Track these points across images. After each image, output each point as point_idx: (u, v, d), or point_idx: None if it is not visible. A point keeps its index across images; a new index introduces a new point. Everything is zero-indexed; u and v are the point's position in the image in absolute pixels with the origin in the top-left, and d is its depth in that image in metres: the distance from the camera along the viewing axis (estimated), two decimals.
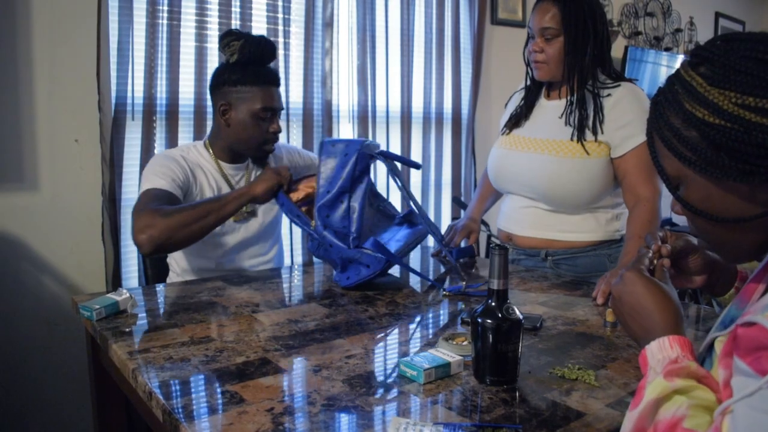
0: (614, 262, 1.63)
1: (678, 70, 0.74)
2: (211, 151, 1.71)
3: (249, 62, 1.62)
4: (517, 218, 1.72)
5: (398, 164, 1.62)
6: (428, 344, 1.14)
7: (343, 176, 1.48)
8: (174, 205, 1.50)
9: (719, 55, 0.69)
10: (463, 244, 1.89)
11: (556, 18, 1.56)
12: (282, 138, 2.30)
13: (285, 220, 2.44)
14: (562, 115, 1.63)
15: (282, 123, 2.37)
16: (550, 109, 1.67)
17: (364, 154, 1.51)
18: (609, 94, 1.58)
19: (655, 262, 0.87)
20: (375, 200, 1.63)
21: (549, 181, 1.61)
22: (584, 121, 1.58)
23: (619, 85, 1.59)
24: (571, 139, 1.59)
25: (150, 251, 1.40)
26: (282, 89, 2.35)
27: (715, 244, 0.78)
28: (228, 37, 1.62)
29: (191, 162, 1.66)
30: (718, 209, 0.72)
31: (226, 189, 1.68)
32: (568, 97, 1.62)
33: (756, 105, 0.66)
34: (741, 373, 0.62)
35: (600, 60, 1.60)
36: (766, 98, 0.65)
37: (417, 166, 1.67)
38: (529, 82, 1.73)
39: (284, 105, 1.71)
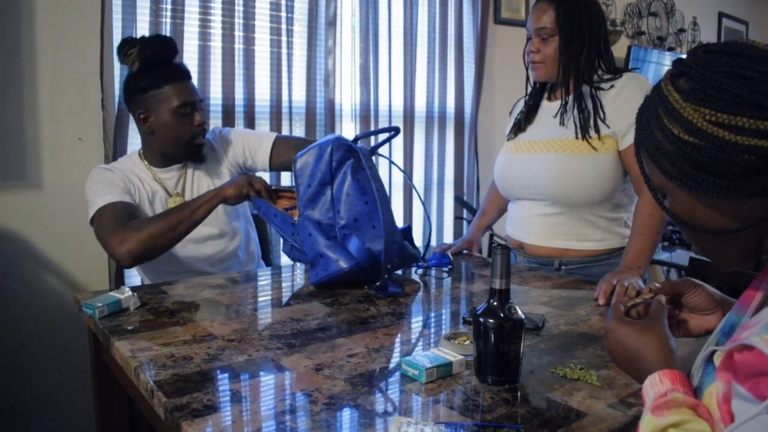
0: None
1: (659, 82, 0.74)
2: (144, 161, 1.72)
3: (152, 65, 1.61)
4: (528, 227, 1.71)
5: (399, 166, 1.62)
6: (430, 343, 1.14)
7: (322, 168, 1.48)
8: (132, 212, 1.55)
9: (697, 69, 0.69)
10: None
11: (551, 17, 1.56)
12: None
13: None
14: (556, 114, 1.64)
15: (284, 122, 2.37)
16: (553, 111, 1.68)
17: (340, 143, 1.50)
18: (612, 86, 1.58)
19: (629, 304, 0.88)
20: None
21: (556, 179, 1.60)
22: (586, 119, 1.58)
23: (620, 77, 1.59)
24: (576, 137, 1.59)
25: (130, 264, 1.50)
26: (284, 88, 2.37)
27: (704, 251, 0.78)
28: (124, 47, 1.62)
29: (125, 170, 1.67)
30: (701, 221, 0.72)
31: (161, 192, 1.70)
32: (563, 98, 1.62)
33: (729, 123, 0.65)
34: (741, 398, 0.62)
35: (598, 59, 1.60)
36: (740, 115, 0.65)
37: (396, 130, 1.63)
38: (530, 88, 1.74)
39: (200, 95, 1.74)
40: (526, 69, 1.69)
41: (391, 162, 1.64)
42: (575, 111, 1.60)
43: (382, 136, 1.66)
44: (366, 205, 1.49)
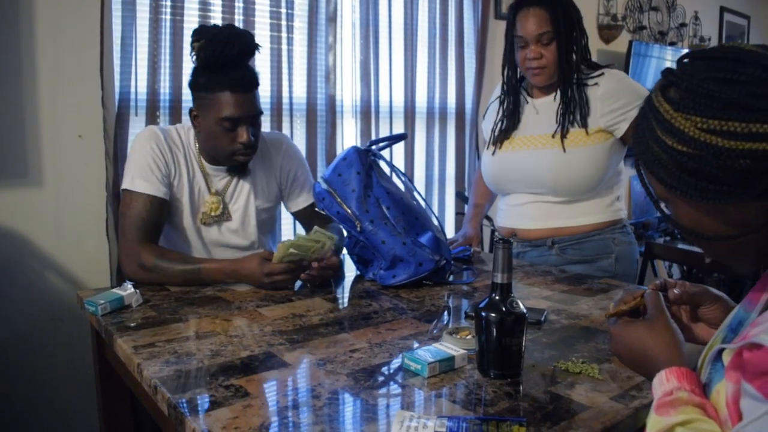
0: (619, 245, 1.69)
1: (650, 94, 0.74)
2: (197, 146, 1.63)
3: (212, 67, 1.48)
4: (521, 213, 1.74)
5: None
6: (432, 338, 1.14)
7: (359, 171, 1.53)
8: (158, 218, 1.50)
9: (684, 77, 0.68)
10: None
11: (549, 21, 1.59)
12: (285, 134, 2.29)
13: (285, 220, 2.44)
14: (557, 113, 1.67)
15: (285, 118, 2.37)
16: (542, 107, 1.71)
17: (359, 151, 1.57)
18: (596, 83, 1.64)
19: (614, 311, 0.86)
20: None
21: (559, 172, 1.64)
22: (574, 115, 1.64)
23: (602, 74, 1.65)
24: (554, 134, 1.65)
25: (126, 278, 1.47)
26: (285, 84, 2.36)
27: (715, 257, 0.77)
28: (192, 37, 1.49)
29: (178, 147, 1.59)
30: (707, 229, 0.71)
31: (203, 189, 1.61)
32: (560, 95, 1.66)
33: (721, 128, 0.64)
34: (750, 397, 0.61)
35: (583, 56, 1.67)
36: (731, 120, 0.64)
37: (403, 137, 1.73)
38: (505, 88, 1.77)
39: (260, 109, 1.56)
40: (509, 76, 1.73)
41: (396, 170, 1.66)
42: (570, 107, 1.65)
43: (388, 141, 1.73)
44: (402, 200, 1.56)
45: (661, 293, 0.86)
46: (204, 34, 1.48)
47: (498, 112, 1.79)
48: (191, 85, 1.54)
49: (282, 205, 1.82)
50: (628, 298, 0.87)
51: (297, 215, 1.81)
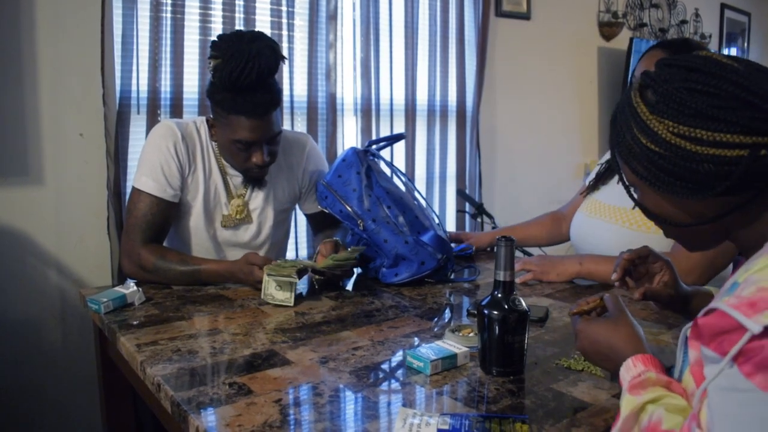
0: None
1: (629, 92, 0.81)
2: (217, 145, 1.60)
3: (230, 88, 1.39)
4: None
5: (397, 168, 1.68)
6: (435, 336, 1.14)
7: (359, 171, 1.55)
8: (162, 222, 1.49)
9: (660, 82, 0.76)
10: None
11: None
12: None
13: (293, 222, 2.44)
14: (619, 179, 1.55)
15: (286, 116, 2.37)
16: None
17: (358, 152, 1.58)
18: None
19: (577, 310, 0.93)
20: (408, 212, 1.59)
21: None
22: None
23: None
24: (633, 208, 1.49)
25: (127, 278, 1.50)
26: (286, 82, 2.36)
27: (674, 238, 0.86)
28: (212, 48, 1.41)
29: (194, 151, 1.54)
30: (668, 216, 0.80)
31: (222, 193, 1.58)
32: None
33: (689, 134, 0.72)
34: (709, 361, 0.66)
35: None
36: (698, 128, 0.71)
37: (402, 137, 1.73)
38: None
39: (279, 129, 1.50)
40: None
41: (396, 170, 1.67)
42: None
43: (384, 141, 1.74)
44: (402, 200, 1.56)
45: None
46: (222, 51, 1.38)
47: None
48: (208, 93, 1.48)
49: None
50: (587, 301, 0.94)
51: (310, 217, 1.81)
